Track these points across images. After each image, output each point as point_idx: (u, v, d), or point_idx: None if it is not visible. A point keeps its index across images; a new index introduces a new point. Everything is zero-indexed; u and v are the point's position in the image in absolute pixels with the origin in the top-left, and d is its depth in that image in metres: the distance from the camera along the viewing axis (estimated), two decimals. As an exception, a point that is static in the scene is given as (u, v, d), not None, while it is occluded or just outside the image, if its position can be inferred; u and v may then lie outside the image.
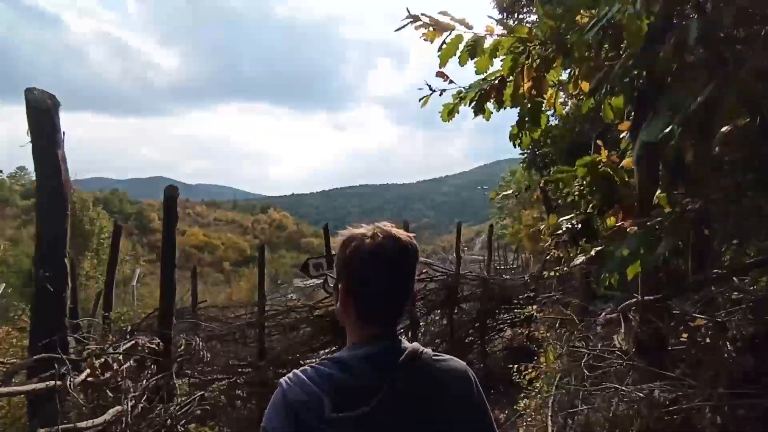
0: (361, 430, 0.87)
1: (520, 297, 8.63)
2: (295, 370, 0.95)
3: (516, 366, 3.95)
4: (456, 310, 7.17)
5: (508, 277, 9.17)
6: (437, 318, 7.10)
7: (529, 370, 3.83)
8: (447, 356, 1.03)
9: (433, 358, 0.99)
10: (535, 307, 4.56)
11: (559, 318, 3.74)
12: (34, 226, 3.87)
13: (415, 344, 0.99)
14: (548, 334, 4.06)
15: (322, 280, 1.28)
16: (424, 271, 6.79)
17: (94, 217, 22.58)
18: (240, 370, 6.06)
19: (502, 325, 8.25)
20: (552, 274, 4.08)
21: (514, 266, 17.74)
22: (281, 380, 0.94)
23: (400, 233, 0.98)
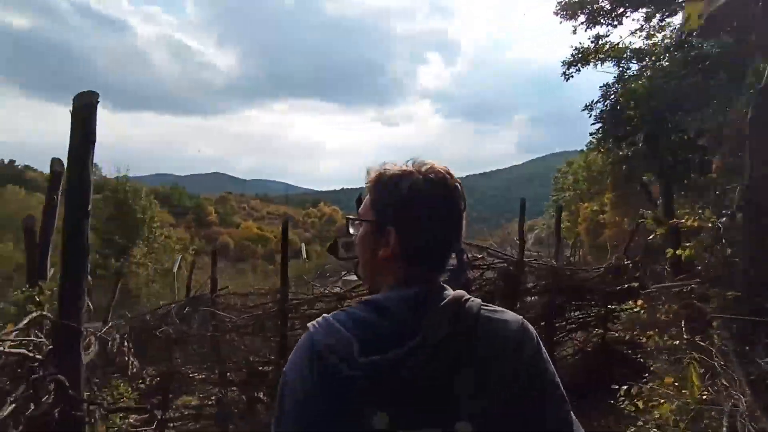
0: (394, 377, 0.76)
1: (594, 292, 7.28)
2: (325, 315, 0.85)
3: (624, 387, 2.68)
4: (518, 305, 5.92)
5: (581, 267, 7.69)
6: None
7: (637, 389, 2.59)
8: (500, 308, 0.89)
9: (482, 306, 0.85)
10: (639, 301, 3.28)
11: (692, 316, 2.48)
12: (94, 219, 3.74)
13: (461, 291, 0.86)
14: (665, 340, 2.79)
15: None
16: (479, 256, 5.59)
17: (146, 206, 22.97)
18: (260, 368, 5.23)
19: (572, 325, 6.90)
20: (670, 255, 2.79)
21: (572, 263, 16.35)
22: (309, 324, 0.85)
23: (448, 170, 0.90)
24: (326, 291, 4.86)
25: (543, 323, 6.25)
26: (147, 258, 21.10)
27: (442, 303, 0.82)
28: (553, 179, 30.19)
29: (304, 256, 14.16)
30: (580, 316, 6.93)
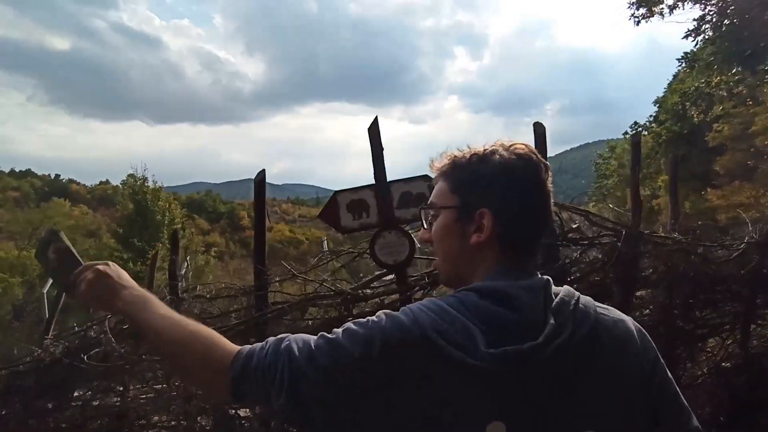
0: (529, 372, 0.68)
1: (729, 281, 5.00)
2: (427, 299, 0.78)
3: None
4: (633, 300, 3.81)
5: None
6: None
7: None
8: (608, 306, 0.81)
9: (595, 303, 0.79)
10: None
11: None
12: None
13: (567, 286, 0.79)
14: None
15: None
16: (573, 225, 3.51)
17: (165, 208, 21.89)
18: (232, 412, 3.35)
19: (702, 329, 4.65)
20: None
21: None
22: (403, 308, 0.74)
23: (531, 147, 0.83)
24: (322, 285, 2.86)
25: (664, 327, 4.13)
26: (166, 261, 19.93)
27: (561, 296, 0.75)
28: (594, 165, 29.28)
29: (325, 248, 12.25)
30: (712, 316, 4.67)
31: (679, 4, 11.49)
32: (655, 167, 20.24)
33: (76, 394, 4.13)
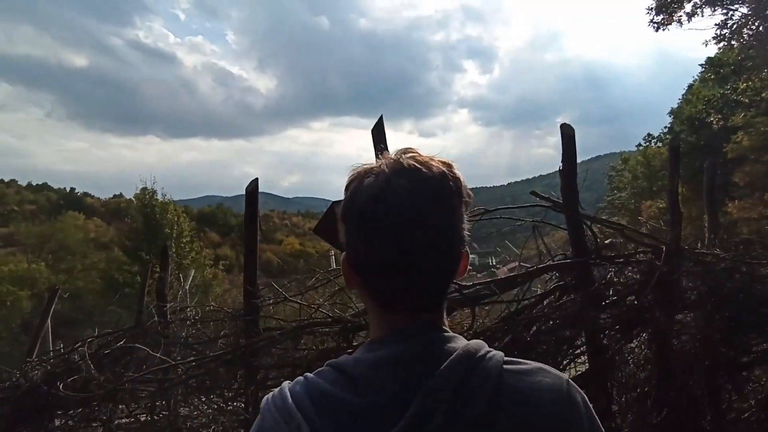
0: None
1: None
2: (284, 384, 0.63)
3: None
4: (675, 326, 3.35)
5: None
6: (634, 346, 3.28)
7: None
8: (533, 364, 0.62)
9: (506, 368, 0.59)
10: None
11: None
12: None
13: (476, 342, 0.61)
14: None
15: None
16: (606, 242, 3.08)
17: (173, 221, 21.75)
18: None
19: (749, 355, 4.15)
20: None
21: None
22: (264, 398, 0.64)
23: (423, 161, 0.63)
24: (318, 310, 2.47)
25: (708, 362, 3.65)
26: (173, 275, 19.73)
27: (443, 367, 0.56)
28: (607, 178, 28.94)
29: (334, 266, 11.86)
30: (757, 341, 4.18)
31: (698, 11, 11.20)
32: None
33: (58, 423, 3.79)
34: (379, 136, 2.44)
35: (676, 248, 3.16)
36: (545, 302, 2.45)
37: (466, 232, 0.64)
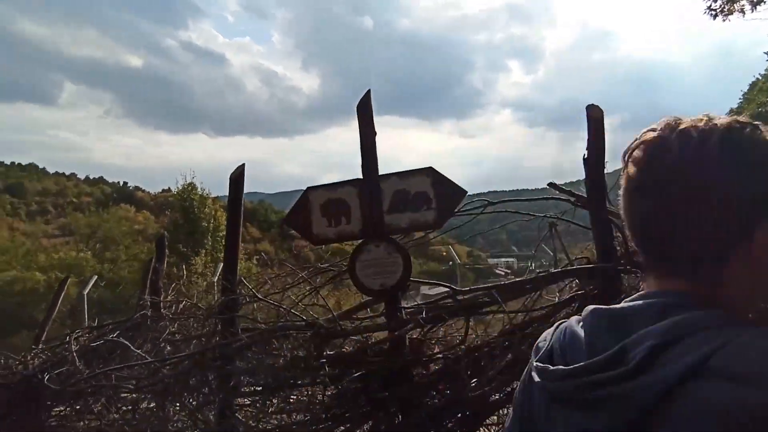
0: (562, 412, 0.60)
1: None
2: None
3: None
4: None
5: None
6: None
7: None
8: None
9: (719, 363, 0.50)
10: None
11: None
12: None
13: (694, 314, 0.55)
14: None
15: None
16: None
17: (210, 215, 22.23)
18: None
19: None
20: None
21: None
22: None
23: (699, 123, 0.60)
24: (290, 312, 2.17)
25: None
26: (208, 268, 20.15)
27: (656, 325, 0.55)
28: None
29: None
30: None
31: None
32: None
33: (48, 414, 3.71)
34: (365, 116, 2.12)
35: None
36: (560, 315, 2.05)
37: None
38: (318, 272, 2.51)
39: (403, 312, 2.08)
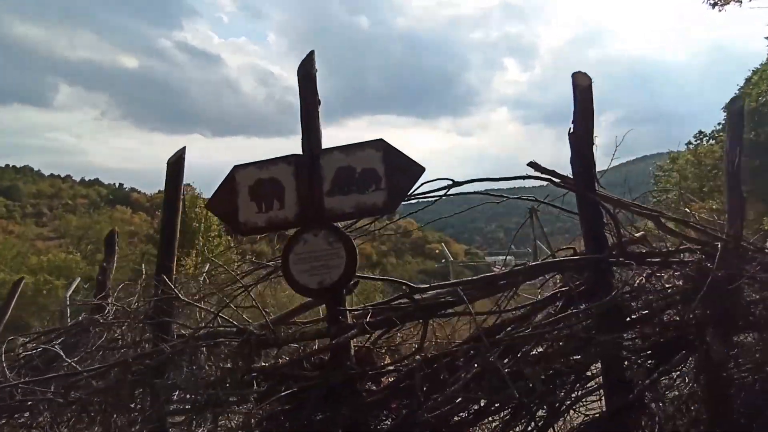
0: None
1: None
2: None
3: None
4: (733, 351, 2.49)
5: None
6: (674, 379, 2.42)
7: None
8: None
9: None
10: None
11: None
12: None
13: None
14: None
15: None
16: (637, 235, 2.26)
17: (201, 215, 21.86)
18: None
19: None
20: None
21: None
22: None
23: None
24: (218, 316, 1.82)
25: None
26: (198, 269, 19.80)
27: None
28: (653, 178, 27.29)
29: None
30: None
31: (761, -12, 9.90)
32: (723, 180, 18.17)
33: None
34: (306, 76, 1.78)
35: (736, 246, 2.32)
36: (539, 316, 1.71)
37: None
38: (257, 268, 2.16)
39: (348, 315, 1.73)
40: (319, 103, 1.80)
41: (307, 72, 1.82)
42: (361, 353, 1.72)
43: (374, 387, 1.65)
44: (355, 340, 1.70)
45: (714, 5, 10.06)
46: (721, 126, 23.07)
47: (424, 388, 1.53)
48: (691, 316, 2.19)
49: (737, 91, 22.29)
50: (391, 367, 1.69)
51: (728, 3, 10.55)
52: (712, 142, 23.70)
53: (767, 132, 16.27)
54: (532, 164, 2.02)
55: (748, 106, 18.66)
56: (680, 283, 2.12)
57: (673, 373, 2.13)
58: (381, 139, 1.76)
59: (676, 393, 2.17)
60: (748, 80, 21.25)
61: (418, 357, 1.63)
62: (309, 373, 1.60)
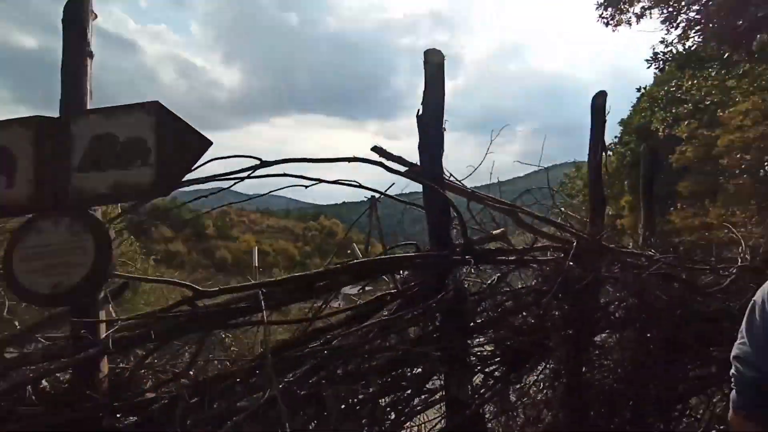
0: None
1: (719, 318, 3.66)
2: None
3: None
4: (597, 351, 2.43)
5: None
6: (540, 375, 2.31)
7: None
8: None
9: None
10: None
11: None
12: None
13: None
14: None
15: None
16: (494, 233, 2.11)
17: (106, 212, 19.90)
18: None
19: (684, 385, 3.32)
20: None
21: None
22: None
23: None
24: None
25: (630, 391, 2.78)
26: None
27: None
28: (559, 185, 29.99)
29: (256, 263, 10.63)
30: (694, 366, 3.36)
31: (647, 13, 10.92)
32: (619, 188, 20.45)
33: None
34: (74, 19, 1.37)
35: (594, 244, 2.26)
36: (364, 324, 1.44)
37: None
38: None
39: (102, 329, 1.35)
40: (91, 56, 1.41)
41: (74, 14, 1.40)
42: (121, 378, 1.34)
43: (137, 419, 1.28)
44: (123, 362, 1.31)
45: (607, 24, 10.85)
46: (617, 139, 25.80)
47: (188, 422, 1.19)
48: (546, 317, 2.07)
49: (631, 108, 25.14)
50: (151, 395, 1.32)
51: (620, 24, 11.44)
52: (609, 153, 26.41)
53: (656, 143, 18.26)
54: (376, 149, 1.77)
55: (637, 122, 20.90)
56: (533, 282, 1.98)
57: (525, 379, 1.99)
58: (156, 101, 1.39)
59: (528, 402, 2.02)
60: (639, 99, 24.11)
61: (184, 380, 1.28)
62: (33, 410, 1.19)
